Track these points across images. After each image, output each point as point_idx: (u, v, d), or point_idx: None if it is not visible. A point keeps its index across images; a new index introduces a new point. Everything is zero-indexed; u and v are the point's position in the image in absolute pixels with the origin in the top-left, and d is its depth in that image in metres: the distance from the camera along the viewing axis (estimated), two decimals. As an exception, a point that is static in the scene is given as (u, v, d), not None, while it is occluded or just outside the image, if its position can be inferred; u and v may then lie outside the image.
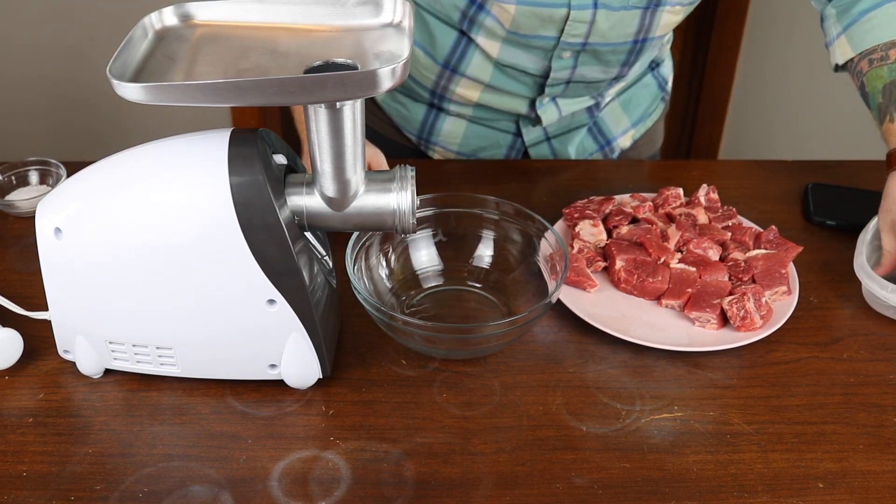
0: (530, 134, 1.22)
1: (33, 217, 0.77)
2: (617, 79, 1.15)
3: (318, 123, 0.70)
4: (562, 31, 1.03)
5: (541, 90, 1.13)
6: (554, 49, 1.06)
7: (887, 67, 0.95)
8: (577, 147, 1.25)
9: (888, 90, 0.94)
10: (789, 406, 0.82)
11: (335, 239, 0.90)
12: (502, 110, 1.17)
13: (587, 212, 1.00)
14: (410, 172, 0.77)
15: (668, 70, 1.29)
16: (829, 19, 1.05)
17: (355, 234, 0.87)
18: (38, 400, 0.81)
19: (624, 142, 1.28)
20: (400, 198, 0.76)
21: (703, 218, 1.01)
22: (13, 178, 1.09)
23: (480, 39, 1.08)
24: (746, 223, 1.02)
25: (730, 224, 1.01)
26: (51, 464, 0.75)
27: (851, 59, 1.01)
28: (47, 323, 0.83)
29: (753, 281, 0.92)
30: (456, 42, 1.10)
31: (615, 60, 1.10)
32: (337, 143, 0.71)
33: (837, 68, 1.05)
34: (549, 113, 1.16)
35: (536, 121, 1.17)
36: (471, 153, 1.23)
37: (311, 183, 0.76)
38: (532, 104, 1.15)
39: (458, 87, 1.15)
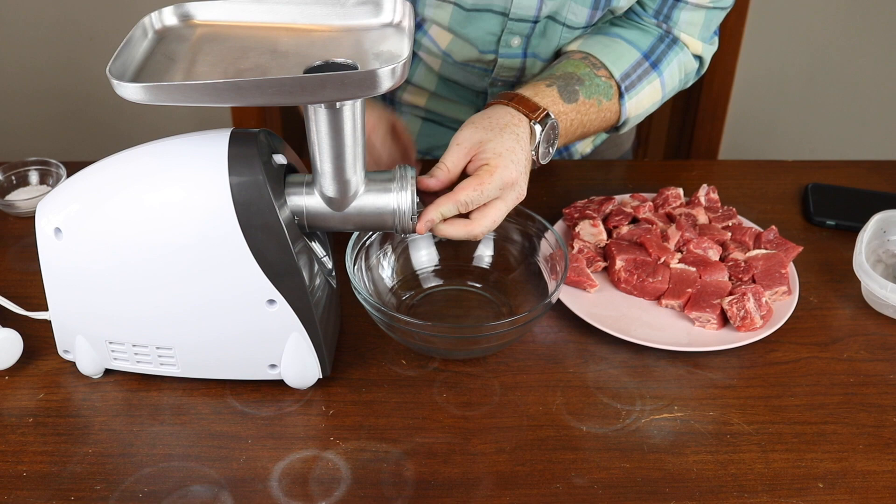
0: None
1: (33, 217, 0.77)
2: None
3: (318, 123, 0.70)
4: (492, 70, 1.05)
5: (485, 100, 1.13)
6: (491, 74, 1.07)
7: (588, 70, 0.93)
8: None
9: (570, 77, 0.91)
10: (789, 406, 0.82)
11: (335, 239, 0.90)
12: (450, 116, 1.17)
13: (587, 212, 1.00)
14: (411, 172, 0.77)
15: None
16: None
17: (355, 234, 0.87)
18: (38, 400, 0.81)
19: (583, 148, 1.26)
20: (400, 198, 0.76)
21: (703, 218, 1.01)
22: (13, 178, 1.09)
23: (422, 54, 1.09)
24: (746, 223, 1.02)
25: (730, 224, 1.01)
26: (51, 464, 0.75)
27: (571, 51, 0.99)
28: (47, 323, 0.83)
29: (753, 281, 0.92)
30: None
31: None
32: (337, 143, 0.71)
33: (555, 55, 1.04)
34: None
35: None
36: (426, 150, 1.23)
37: (311, 183, 0.76)
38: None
39: (406, 94, 1.16)
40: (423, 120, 1.21)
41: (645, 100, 0.99)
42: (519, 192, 0.82)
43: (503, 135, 0.81)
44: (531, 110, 0.85)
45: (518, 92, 0.88)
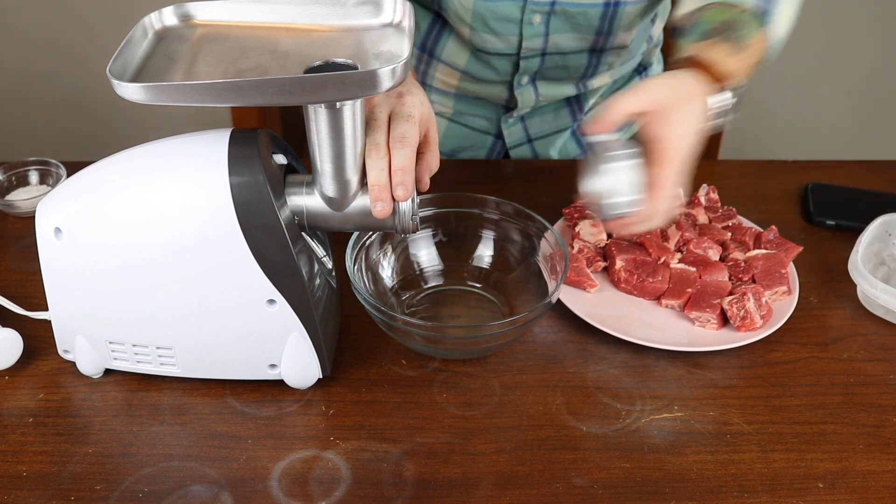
0: (512, 136, 1.21)
1: (33, 217, 0.77)
2: (594, 52, 1.11)
3: (318, 123, 0.70)
4: None
5: (516, 68, 1.12)
6: (523, 14, 1.05)
7: (733, 13, 0.89)
8: (560, 151, 1.25)
9: (728, 24, 0.88)
10: (789, 406, 0.82)
11: (335, 239, 0.90)
12: (482, 97, 1.16)
13: (587, 212, 1.00)
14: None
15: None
16: None
17: (355, 234, 0.87)
18: (38, 400, 0.81)
19: None
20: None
21: (703, 218, 1.01)
22: (13, 178, 1.09)
23: (454, 21, 1.07)
24: (746, 223, 1.02)
25: (730, 224, 1.01)
26: (51, 464, 0.75)
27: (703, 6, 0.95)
28: (47, 323, 0.83)
29: (753, 281, 0.92)
30: (431, 24, 1.10)
31: (587, 26, 1.07)
32: (337, 143, 0.71)
33: (674, 31, 0.99)
34: (526, 95, 1.15)
35: (514, 105, 1.16)
36: (451, 153, 1.23)
37: (311, 183, 0.76)
38: (511, 89, 1.14)
39: (438, 73, 1.14)
40: (448, 121, 1.21)
41: (786, 17, 0.93)
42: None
43: (688, 108, 0.80)
44: (717, 79, 0.84)
45: (701, 58, 0.85)
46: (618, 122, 0.80)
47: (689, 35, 0.90)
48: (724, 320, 0.89)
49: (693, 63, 0.84)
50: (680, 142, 0.79)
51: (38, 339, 0.86)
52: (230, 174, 0.70)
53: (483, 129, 1.21)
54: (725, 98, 0.84)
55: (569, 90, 1.17)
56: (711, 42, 0.87)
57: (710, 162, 1.38)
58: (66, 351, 0.82)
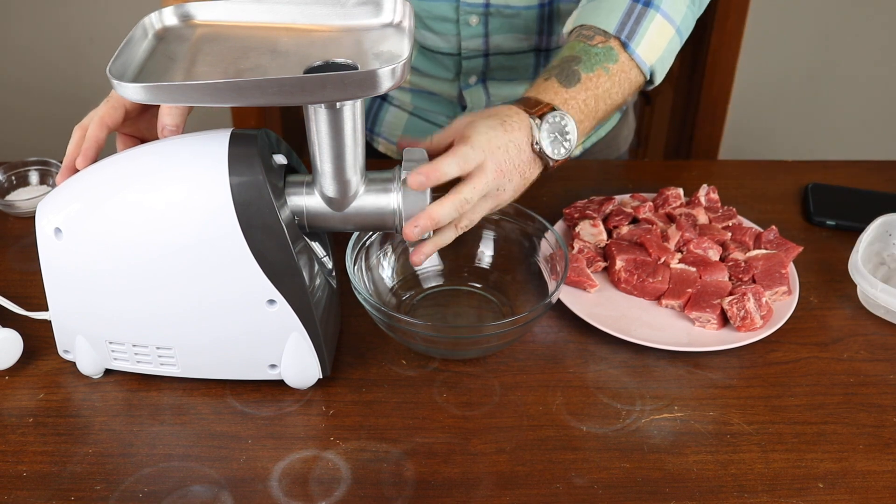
0: None
1: (33, 217, 0.77)
2: (540, 52, 1.10)
3: (318, 123, 0.70)
4: None
5: (460, 67, 1.12)
6: (458, 15, 1.04)
7: (583, 45, 0.89)
8: None
9: (566, 61, 0.88)
10: (789, 406, 0.82)
11: (335, 239, 0.90)
12: (434, 93, 1.16)
13: (587, 212, 1.00)
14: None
15: None
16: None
17: (355, 234, 0.87)
18: (38, 400, 0.81)
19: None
20: (400, 198, 0.76)
21: (703, 218, 1.01)
22: (13, 178, 1.09)
23: None
24: (746, 223, 1.02)
25: (730, 224, 1.01)
26: (51, 464, 0.75)
27: (571, 31, 0.95)
28: (47, 323, 0.83)
29: (753, 281, 0.92)
30: None
31: (527, 27, 1.06)
32: (337, 143, 0.71)
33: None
34: (475, 96, 1.14)
35: (464, 106, 1.16)
36: None
37: (311, 183, 0.76)
38: (461, 88, 1.14)
39: None
40: (409, 115, 1.20)
41: (657, 40, 0.91)
42: (497, 178, 0.79)
43: (487, 118, 0.80)
44: (530, 107, 0.83)
45: (521, 96, 0.86)
46: (429, 150, 0.81)
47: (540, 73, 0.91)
48: (724, 320, 0.89)
49: (512, 101, 0.85)
50: (466, 131, 0.79)
51: (38, 339, 0.86)
52: (230, 174, 0.71)
53: (443, 125, 1.20)
54: (555, 118, 0.82)
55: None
56: (542, 80, 0.87)
57: (710, 162, 1.38)
58: (66, 351, 0.82)
